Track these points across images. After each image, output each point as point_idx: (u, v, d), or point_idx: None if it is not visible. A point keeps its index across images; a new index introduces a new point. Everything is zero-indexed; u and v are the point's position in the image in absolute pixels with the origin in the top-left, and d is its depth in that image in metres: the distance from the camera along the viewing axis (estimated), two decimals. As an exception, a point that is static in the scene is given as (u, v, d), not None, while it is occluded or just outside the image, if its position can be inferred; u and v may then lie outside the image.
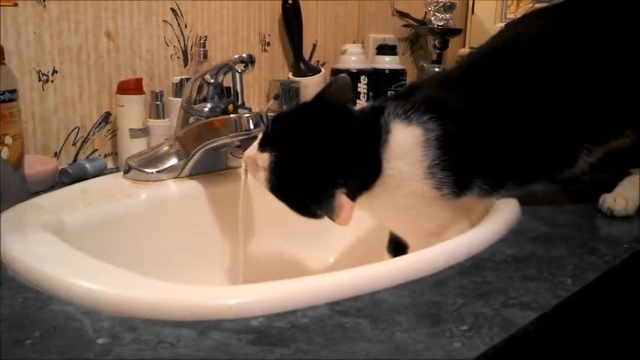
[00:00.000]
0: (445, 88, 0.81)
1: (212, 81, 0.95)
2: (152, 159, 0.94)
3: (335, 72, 1.44)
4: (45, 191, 0.87)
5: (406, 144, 0.74)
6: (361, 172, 0.74)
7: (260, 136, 0.78)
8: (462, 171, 0.74)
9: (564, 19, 0.85)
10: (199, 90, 0.95)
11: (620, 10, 0.84)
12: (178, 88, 1.10)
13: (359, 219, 1.05)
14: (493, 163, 0.77)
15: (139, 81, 1.05)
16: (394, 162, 0.74)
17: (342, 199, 0.70)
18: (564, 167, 0.83)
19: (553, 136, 0.79)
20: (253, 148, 0.77)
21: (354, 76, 1.43)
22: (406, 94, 0.80)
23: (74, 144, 1.04)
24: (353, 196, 0.72)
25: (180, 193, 0.92)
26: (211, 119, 0.92)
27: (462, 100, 0.77)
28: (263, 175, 0.75)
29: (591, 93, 0.80)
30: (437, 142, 0.73)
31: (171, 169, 0.93)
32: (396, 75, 1.52)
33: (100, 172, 0.99)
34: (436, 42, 1.68)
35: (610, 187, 0.87)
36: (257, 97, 1.35)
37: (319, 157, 0.73)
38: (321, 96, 0.79)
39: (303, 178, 0.73)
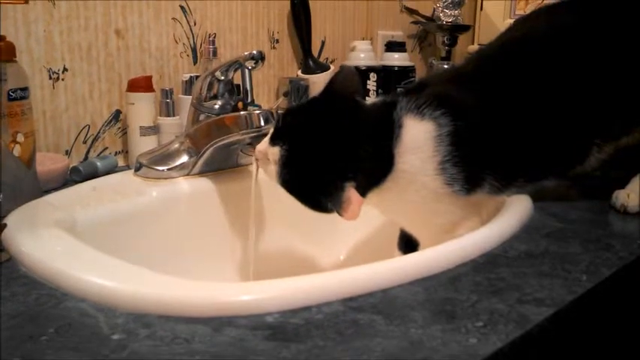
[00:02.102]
0: (456, 85, 0.80)
1: (222, 78, 0.94)
2: (163, 156, 0.94)
3: (344, 69, 1.44)
4: (56, 189, 0.87)
5: (419, 139, 0.73)
6: (373, 166, 0.73)
7: (271, 130, 0.78)
8: (473, 167, 0.74)
9: (574, 16, 0.84)
10: (209, 87, 0.95)
11: (630, 7, 0.84)
12: (188, 86, 1.10)
13: (369, 216, 1.05)
14: (504, 160, 0.77)
15: (148, 78, 1.05)
16: (407, 156, 0.73)
17: (350, 193, 0.70)
18: (575, 164, 0.83)
19: (563, 132, 0.79)
20: (264, 143, 0.77)
21: (363, 73, 1.42)
22: (416, 90, 0.80)
23: (85, 142, 1.04)
24: (363, 191, 0.72)
25: (191, 190, 0.92)
26: (222, 116, 0.92)
27: (473, 97, 0.77)
28: (274, 169, 0.75)
29: (601, 90, 0.79)
30: (449, 138, 0.73)
31: (181, 166, 0.93)
32: (405, 72, 1.51)
33: (111, 170, 0.99)
34: (445, 39, 1.68)
35: (621, 184, 0.87)
36: (266, 94, 1.34)
37: (330, 150, 0.73)
38: (329, 88, 0.78)
39: (314, 171, 0.73)
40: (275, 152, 0.75)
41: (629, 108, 0.82)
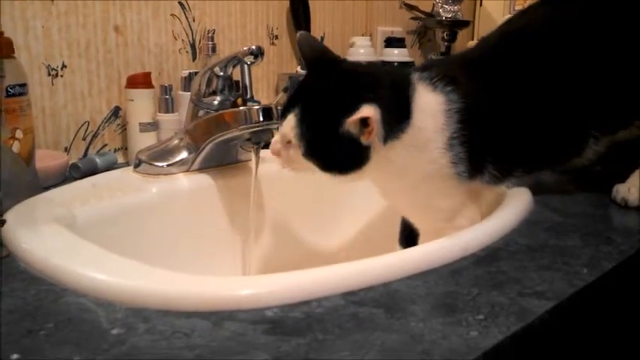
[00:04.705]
0: (463, 71, 0.80)
1: (221, 74, 0.94)
2: (162, 153, 0.94)
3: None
4: (56, 185, 0.87)
5: (432, 107, 0.73)
6: (391, 104, 0.70)
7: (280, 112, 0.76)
8: (476, 151, 0.74)
9: (573, 7, 0.84)
10: (208, 83, 0.94)
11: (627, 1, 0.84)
12: (187, 82, 1.10)
13: (371, 210, 1.06)
14: (503, 149, 0.77)
15: (147, 75, 1.05)
16: (422, 115, 0.72)
17: (368, 108, 0.66)
18: (572, 155, 0.83)
19: (561, 123, 0.79)
20: (276, 135, 0.75)
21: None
22: (424, 68, 0.79)
23: (84, 139, 1.04)
24: (385, 134, 0.69)
25: (191, 186, 0.92)
26: (221, 112, 0.92)
27: (478, 84, 0.77)
28: (295, 150, 0.72)
29: (599, 82, 0.80)
30: (458, 115, 0.73)
31: (181, 162, 0.93)
32: (405, 67, 1.51)
33: (111, 167, 0.99)
34: (444, 34, 1.67)
35: (621, 178, 0.87)
36: (265, 90, 1.34)
37: (345, 87, 0.71)
38: (312, 55, 0.76)
39: (331, 111, 0.69)
40: (290, 119, 0.71)
41: (624, 101, 0.82)
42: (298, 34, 0.79)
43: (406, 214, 0.84)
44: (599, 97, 0.80)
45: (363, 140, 0.68)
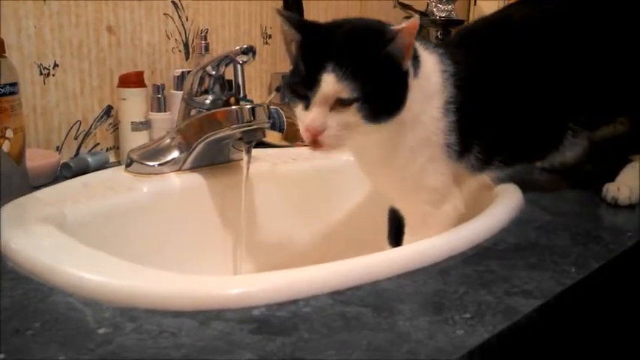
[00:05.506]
0: (448, 48, 0.82)
1: (213, 73, 0.94)
2: (154, 152, 0.94)
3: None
4: (47, 185, 0.86)
5: (431, 64, 0.75)
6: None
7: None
8: (467, 123, 0.75)
9: (557, 3, 0.86)
10: (201, 82, 0.94)
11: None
12: (180, 81, 1.10)
13: (360, 209, 1.06)
14: (487, 130, 0.78)
15: (140, 74, 1.05)
16: (426, 66, 0.74)
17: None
18: (550, 148, 0.85)
19: (537, 112, 0.81)
20: (314, 114, 0.68)
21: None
22: None
23: (76, 138, 1.04)
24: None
25: (182, 185, 0.92)
26: (213, 111, 0.91)
27: (464, 60, 0.78)
28: (341, 110, 0.67)
29: (575, 76, 0.81)
30: (453, 79, 0.75)
31: (173, 161, 0.93)
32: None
33: (102, 166, 0.99)
34: (438, 33, 1.67)
35: (611, 176, 0.87)
36: (258, 89, 1.34)
37: (369, 26, 0.72)
38: (300, 21, 0.74)
39: (373, 44, 0.67)
40: (327, 78, 0.66)
41: (600, 97, 0.83)
42: (277, 11, 0.75)
43: (394, 196, 0.84)
44: (575, 90, 0.81)
45: (405, 64, 0.69)
